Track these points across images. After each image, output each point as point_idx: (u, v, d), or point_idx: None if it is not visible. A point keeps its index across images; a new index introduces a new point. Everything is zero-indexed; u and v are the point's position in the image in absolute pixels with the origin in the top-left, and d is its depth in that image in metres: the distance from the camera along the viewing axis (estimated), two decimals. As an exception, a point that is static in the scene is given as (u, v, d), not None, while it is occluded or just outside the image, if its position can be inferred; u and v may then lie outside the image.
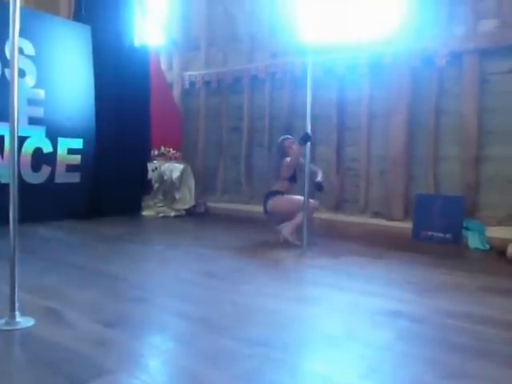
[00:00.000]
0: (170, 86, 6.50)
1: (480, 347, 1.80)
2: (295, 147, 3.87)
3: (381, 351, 1.75)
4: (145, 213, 5.62)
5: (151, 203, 5.76)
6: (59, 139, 4.80)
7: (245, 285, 2.69)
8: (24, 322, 1.91)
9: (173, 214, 5.59)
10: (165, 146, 6.03)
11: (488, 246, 3.88)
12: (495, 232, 4.02)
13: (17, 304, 1.93)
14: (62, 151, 4.83)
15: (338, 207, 5.16)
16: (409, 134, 4.68)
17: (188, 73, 6.40)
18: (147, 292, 2.48)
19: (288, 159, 3.93)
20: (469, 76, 4.31)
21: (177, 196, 5.73)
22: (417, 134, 4.66)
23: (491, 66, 4.23)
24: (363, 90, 4.97)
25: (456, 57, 4.34)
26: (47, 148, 4.69)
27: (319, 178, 3.93)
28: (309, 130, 3.67)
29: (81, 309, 2.15)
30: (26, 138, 4.47)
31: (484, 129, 4.29)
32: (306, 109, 3.70)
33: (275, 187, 4.03)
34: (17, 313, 1.92)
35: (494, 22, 4.19)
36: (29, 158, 4.51)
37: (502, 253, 3.54)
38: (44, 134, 4.66)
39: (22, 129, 4.28)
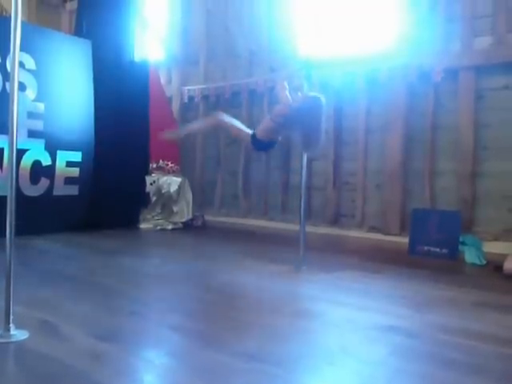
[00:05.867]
0: (169, 100, 6.55)
1: (475, 363, 1.80)
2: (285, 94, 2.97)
3: (375, 367, 1.75)
4: (142, 226, 5.62)
5: (149, 216, 5.76)
6: (58, 152, 4.82)
7: (241, 299, 2.69)
8: (19, 334, 1.90)
9: (170, 227, 5.60)
10: (163, 160, 6.06)
11: (484, 261, 3.88)
12: (492, 247, 4.03)
13: (12, 317, 1.92)
14: (60, 164, 4.85)
15: (334, 221, 5.17)
16: (405, 149, 4.71)
17: (187, 87, 6.45)
18: (143, 306, 2.48)
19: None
20: (464, 92, 4.36)
21: (174, 209, 5.74)
22: (413, 148, 4.69)
23: (486, 82, 4.28)
24: (360, 104, 5.01)
25: (452, 73, 4.40)
26: (46, 161, 4.71)
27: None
28: None
29: (76, 322, 2.14)
30: (26, 150, 4.49)
31: (480, 144, 4.32)
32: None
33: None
34: (11, 325, 1.91)
35: (490, 39, 4.25)
36: (28, 171, 4.53)
37: (498, 268, 3.54)
38: (43, 147, 4.68)
39: (22, 141, 4.31)
